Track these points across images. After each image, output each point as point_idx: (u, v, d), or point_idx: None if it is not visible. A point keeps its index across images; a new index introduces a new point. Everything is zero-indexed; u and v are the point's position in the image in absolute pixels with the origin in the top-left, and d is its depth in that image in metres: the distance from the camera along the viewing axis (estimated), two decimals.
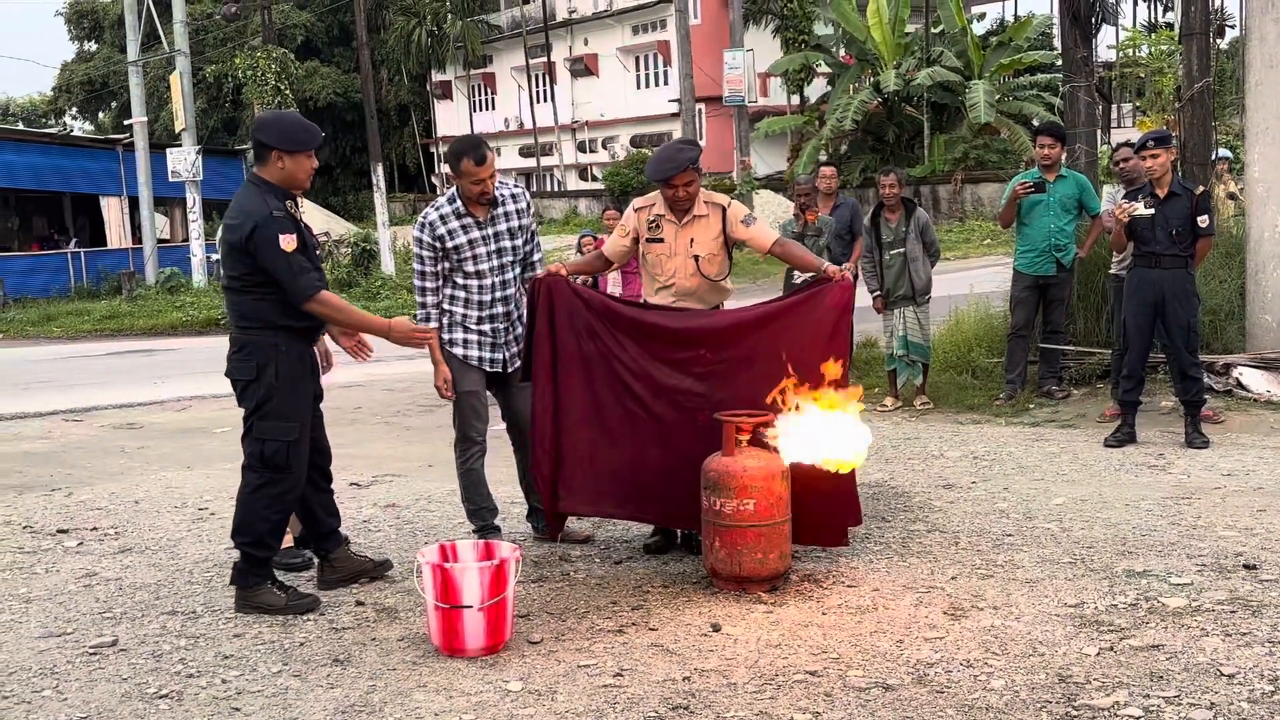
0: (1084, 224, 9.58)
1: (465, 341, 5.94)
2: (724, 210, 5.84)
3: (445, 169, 55.90)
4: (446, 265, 5.89)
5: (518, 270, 6.04)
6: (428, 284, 5.92)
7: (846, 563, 5.65)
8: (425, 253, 5.88)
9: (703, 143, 37.68)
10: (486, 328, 5.95)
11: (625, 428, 5.73)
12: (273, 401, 5.15)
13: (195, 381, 13.57)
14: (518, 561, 4.81)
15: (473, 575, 4.63)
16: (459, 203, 5.86)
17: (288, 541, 5.76)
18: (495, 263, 5.91)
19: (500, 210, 5.92)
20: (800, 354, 5.36)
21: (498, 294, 5.94)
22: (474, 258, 5.86)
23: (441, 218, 5.85)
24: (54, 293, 28.51)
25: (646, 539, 6.10)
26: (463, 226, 5.85)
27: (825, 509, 5.53)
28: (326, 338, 5.66)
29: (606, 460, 5.78)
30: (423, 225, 5.88)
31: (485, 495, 6.14)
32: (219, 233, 5.85)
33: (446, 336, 5.94)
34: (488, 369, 6.00)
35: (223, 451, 9.26)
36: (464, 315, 5.92)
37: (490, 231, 5.89)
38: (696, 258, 5.82)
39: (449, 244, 5.83)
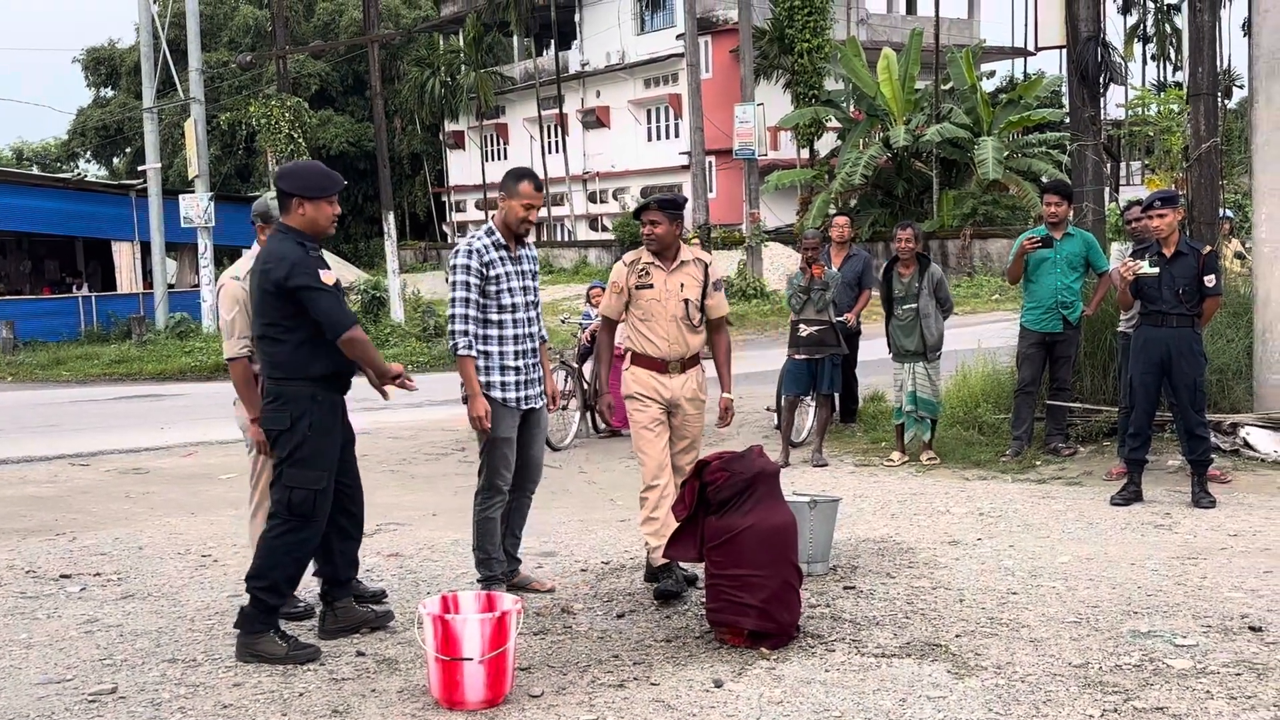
0: (1091, 282, 9.60)
1: (503, 384, 6.02)
2: (706, 266, 6.30)
3: (457, 217, 55.84)
4: (481, 300, 5.99)
5: (536, 311, 6.24)
6: (471, 311, 5.98)
7: (849, 619, 5.62)
8: (472, 279, 5.97)
9: (713, 195, 37.92)
10: (520, 364, 6.07)
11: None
12: (304, 450, 5.24)
13: (202, 427, 13.58)
14: (519, 614, 4.79)
15: (474, 627, 4.62)
16: (497, 235, 6.07)
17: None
18: (524, 299, 6.12)
19: (523, 252, 6.19)
20: None
21: (528, 329, 6.14)
22: (509, 290, 6.03)
23: (484, 247, 6.03)
24: (64, 336, 28.52)
25: (656, 587, 6.08)
26: (500, 258, 6.04)
27: None
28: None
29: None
30: (469, 252, 5.98)
31: (497, 545, 6.17)
32: (241, 281, 5.78)
33: (484, 380, 6.00)
34: (524, 407, 6.11)
35: (227, 498, 9.26)
36: (500, 353, 6.03)
37: (520, 268, 6.13)
38: (687, 301, 6.18)
39: (491, 272, 5.99)
